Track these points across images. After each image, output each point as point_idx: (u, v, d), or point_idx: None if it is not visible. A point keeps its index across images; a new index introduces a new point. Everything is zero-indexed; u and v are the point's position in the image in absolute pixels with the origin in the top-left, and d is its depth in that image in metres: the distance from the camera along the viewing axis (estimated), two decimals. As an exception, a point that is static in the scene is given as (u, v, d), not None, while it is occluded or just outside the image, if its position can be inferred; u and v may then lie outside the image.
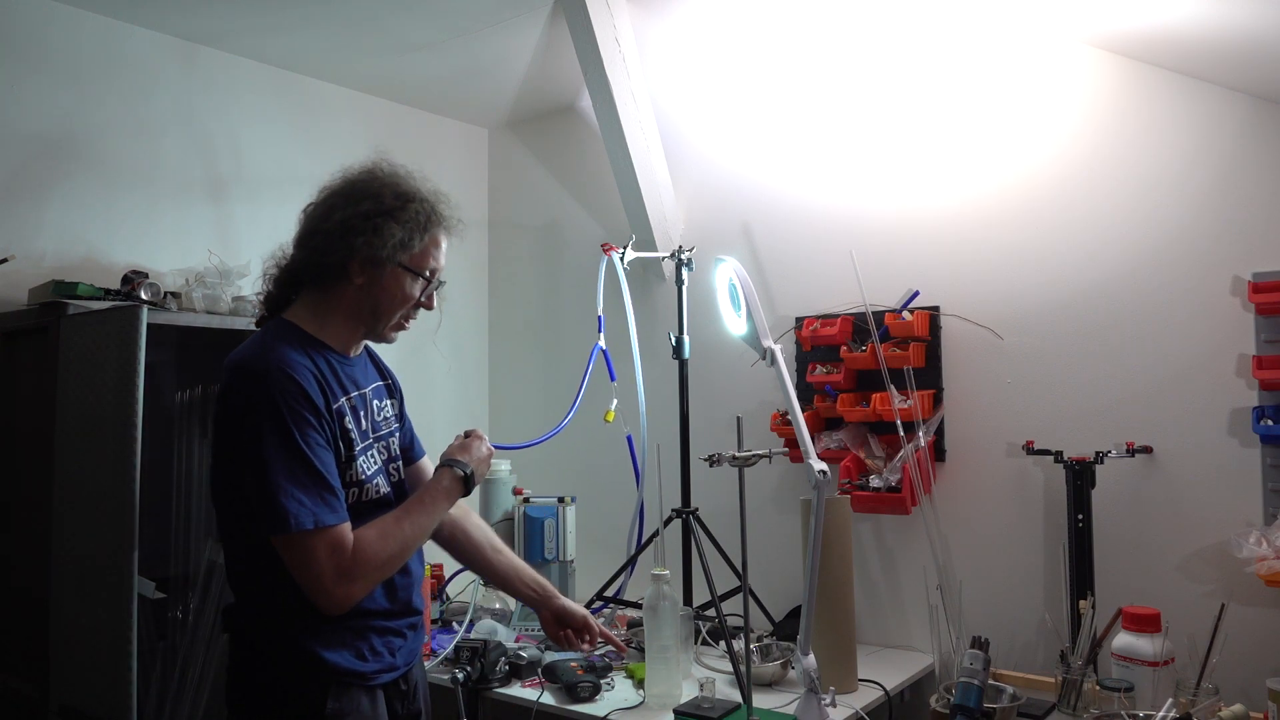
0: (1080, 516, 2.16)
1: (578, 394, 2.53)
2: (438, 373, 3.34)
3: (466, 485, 1.61)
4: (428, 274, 1.59)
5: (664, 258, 2.85)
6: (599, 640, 1.85)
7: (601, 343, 2.57)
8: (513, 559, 1.85)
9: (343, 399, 1.53)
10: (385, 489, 1.60)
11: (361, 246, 1.51)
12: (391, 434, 1.67)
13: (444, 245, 1.62)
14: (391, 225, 1.52)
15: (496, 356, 3.55)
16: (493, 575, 1.83)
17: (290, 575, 1.43)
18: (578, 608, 1.84)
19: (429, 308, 1.64)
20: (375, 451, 1.60)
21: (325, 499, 1.42)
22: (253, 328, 1.67)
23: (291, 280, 1.60)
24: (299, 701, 1.46)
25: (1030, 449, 2.29)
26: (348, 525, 1.45)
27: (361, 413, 1.58)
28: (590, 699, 2.08)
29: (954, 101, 2.50)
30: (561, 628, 1.83)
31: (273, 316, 1.62)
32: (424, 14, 2.65)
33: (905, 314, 2.46)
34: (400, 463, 1.68)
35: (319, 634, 1.46)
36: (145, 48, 2.63)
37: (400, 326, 1.63)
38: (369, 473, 1.56)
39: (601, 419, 2.53)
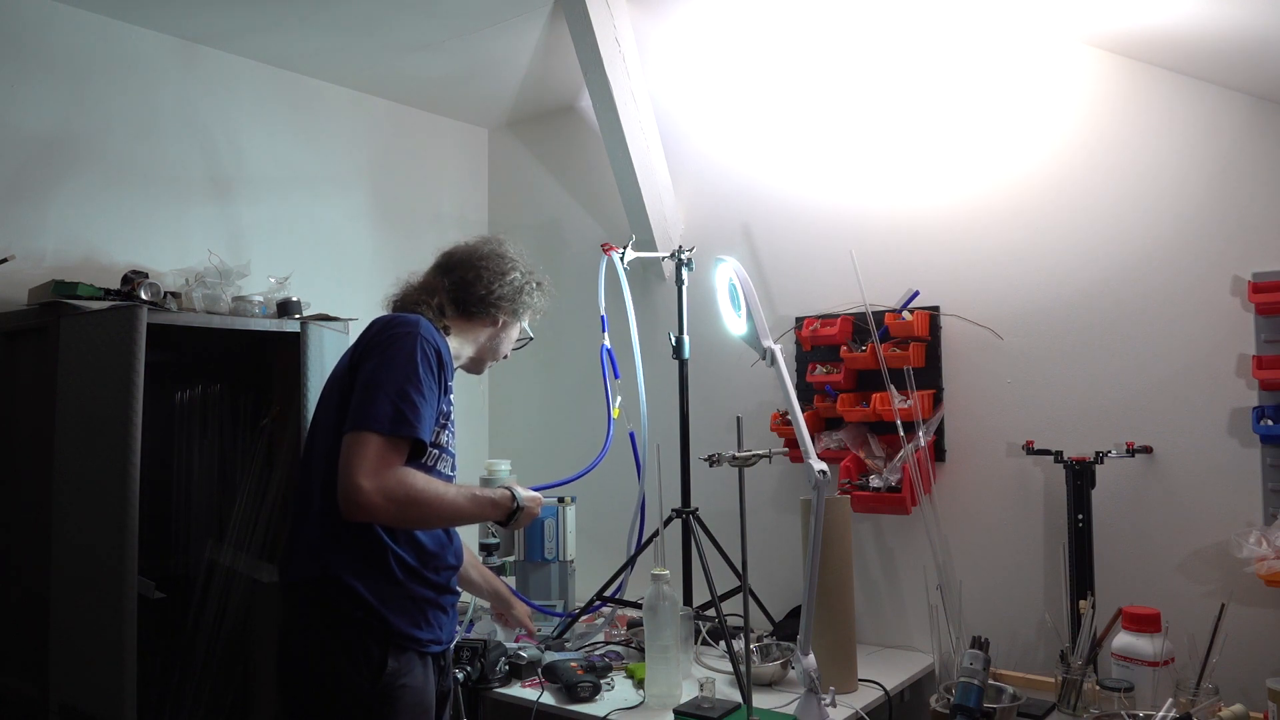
0: (1080, 516, 2.16)
1: (608, 408, 2.48)
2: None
3: (509, 515, 1.83)
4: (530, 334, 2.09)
5: (664, 258, 2.85)
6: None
7: (606, 342, 2.56)
8: (483, 570, 2.32)
9: (450, 383, 1.80)
10: (450, 471, 1.83)
11: (519, 305, 1.97)
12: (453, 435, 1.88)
13: None
14: (539, 295, 2.02)
15: (496, 356, 3.55)
16: (468, 585, 2.22)
17: (372, 554, 1.67)
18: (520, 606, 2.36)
19: (507, 355, 2.07)
20: (452, 437, 1.85)
21: (409, 420, 1.62)
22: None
23: (426, 298, 1.89)
24: (365, 657, 1.65)
25: (1030, 449, 2.29)
26: (405, 455, 1.64)
27: (451, 399, 1.82)
28: (590, 699, 2.08)
29: (953, 101, 2.50)
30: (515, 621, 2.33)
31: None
32: (424, 14, 2.65)
33: (905, 314, 2.46)
34: (455, 460, 1.87)
35: (387, 603, 1.68)
36: (146, 48, 2.63)
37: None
38: (447, 446, 1.82)
39: (602, 418, 2.52)
